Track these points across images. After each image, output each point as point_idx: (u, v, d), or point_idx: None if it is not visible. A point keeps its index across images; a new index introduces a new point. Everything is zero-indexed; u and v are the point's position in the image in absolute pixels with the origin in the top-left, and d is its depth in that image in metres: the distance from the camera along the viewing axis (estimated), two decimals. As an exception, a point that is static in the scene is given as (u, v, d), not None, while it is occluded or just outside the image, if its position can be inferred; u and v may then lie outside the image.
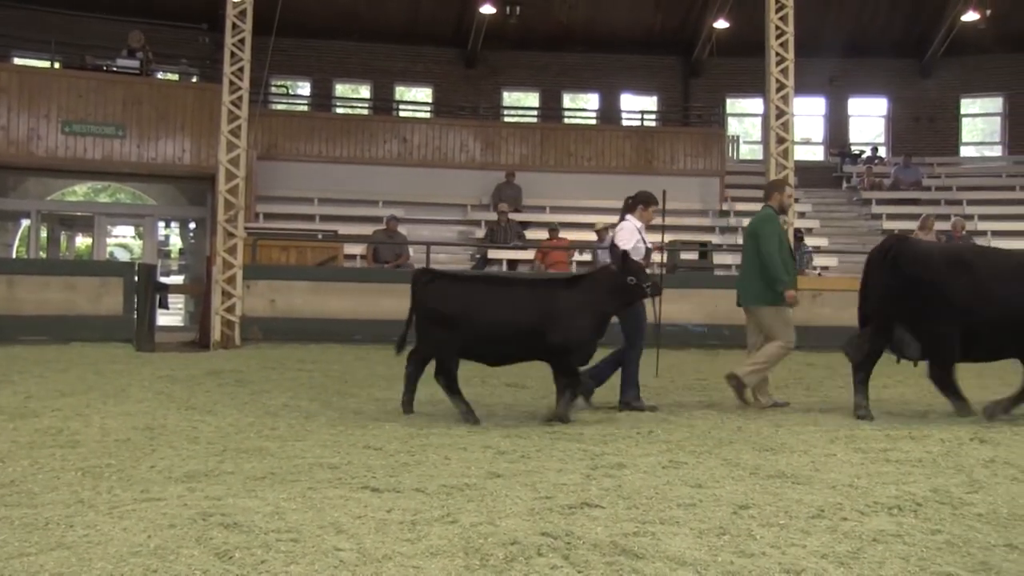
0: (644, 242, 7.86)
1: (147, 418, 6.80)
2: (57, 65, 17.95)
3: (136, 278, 13.39)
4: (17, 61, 18.75)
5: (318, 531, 3.79)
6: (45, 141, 16.76)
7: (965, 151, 24.55)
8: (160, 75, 18.63)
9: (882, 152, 24.07)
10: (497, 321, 6.86)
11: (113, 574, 3.25)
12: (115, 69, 18.21)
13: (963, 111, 24.54)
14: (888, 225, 19.97)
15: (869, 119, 25.05)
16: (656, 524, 3.98)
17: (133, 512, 4.06)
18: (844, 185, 23.07)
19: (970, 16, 21.78)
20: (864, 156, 23.70)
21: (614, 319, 7.44)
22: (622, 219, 7.95)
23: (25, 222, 19.84)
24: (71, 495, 4.43)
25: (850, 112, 24.66)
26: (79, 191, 22.72)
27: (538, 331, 6.82)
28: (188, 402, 7.66)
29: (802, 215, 19.26)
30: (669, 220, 19.32)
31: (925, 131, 24.06)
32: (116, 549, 3.51)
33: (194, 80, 18.81)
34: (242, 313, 13.23)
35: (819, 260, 17.78)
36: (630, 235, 7.77)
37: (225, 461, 5.28)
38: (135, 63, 17.68)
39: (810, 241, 18.14)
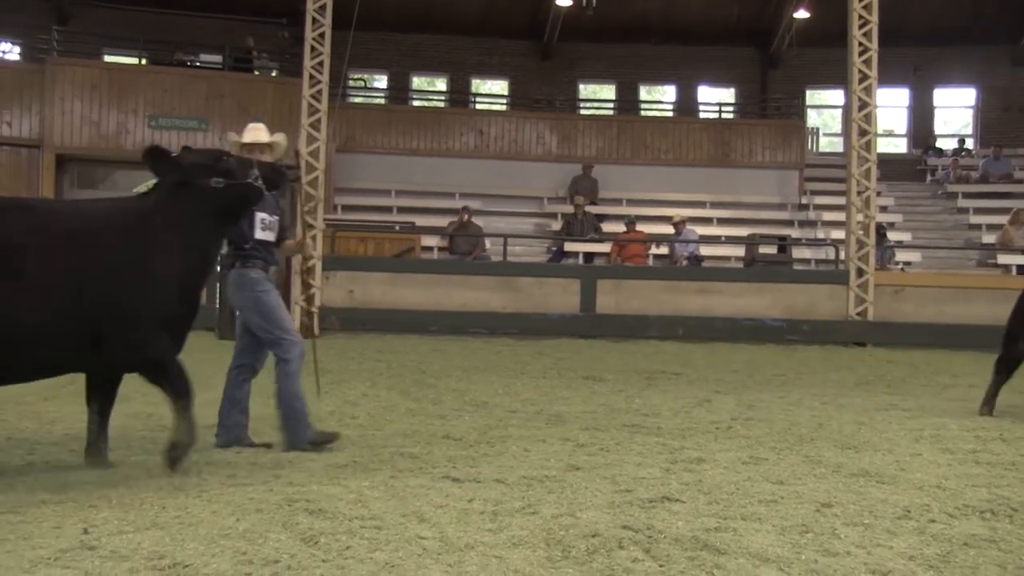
0: None
1: (231, 405, 6.95)
2: (144, 61, 18.48)
3: (218, 268, 13.70)
4: (107, 59, 19.35)
5: (400, 519, 3.84)
6: (133, 135, 17.26)
7: (1060, 142, 23.58)
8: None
9: (969, 144, 23.29)
10: None
11: (205, 555, 3.35)
12: (198, 64, 18.67)
13: (1060, 100, 23.59)
14: (975, 220, 19.34)
15: (956, 110, 24.27)
16: (737, 520, 3.94)
17: (221, 496, 4.18)
18: (928, 178, 22.40)
19: (1070, -1, 20.88)
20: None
21: None
22: None
23: (113, 214, 20.48)
24: (162, 477, 4.58)
25: (936, 103, 23.91)
26: (164, 183, 23.33)
27: None
28: (269, 390, 7.82)
29: (884, 209, 18.75)
30: (747, 213, 19.40)
31: (1017, 121, 23.16)
32: (207, 531, 3.61)
33: (274, 74, 19.17)
34: (321, 303, 13.47)
35: (902, 255, 17.30)
36: None
37: (308, 449, 5.39)
38: (217, 59, 18.14)
39: (892, 236, 17.69)
